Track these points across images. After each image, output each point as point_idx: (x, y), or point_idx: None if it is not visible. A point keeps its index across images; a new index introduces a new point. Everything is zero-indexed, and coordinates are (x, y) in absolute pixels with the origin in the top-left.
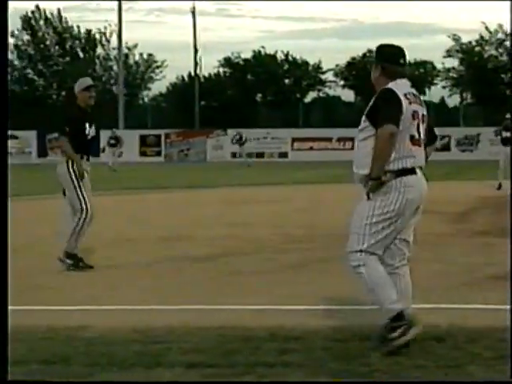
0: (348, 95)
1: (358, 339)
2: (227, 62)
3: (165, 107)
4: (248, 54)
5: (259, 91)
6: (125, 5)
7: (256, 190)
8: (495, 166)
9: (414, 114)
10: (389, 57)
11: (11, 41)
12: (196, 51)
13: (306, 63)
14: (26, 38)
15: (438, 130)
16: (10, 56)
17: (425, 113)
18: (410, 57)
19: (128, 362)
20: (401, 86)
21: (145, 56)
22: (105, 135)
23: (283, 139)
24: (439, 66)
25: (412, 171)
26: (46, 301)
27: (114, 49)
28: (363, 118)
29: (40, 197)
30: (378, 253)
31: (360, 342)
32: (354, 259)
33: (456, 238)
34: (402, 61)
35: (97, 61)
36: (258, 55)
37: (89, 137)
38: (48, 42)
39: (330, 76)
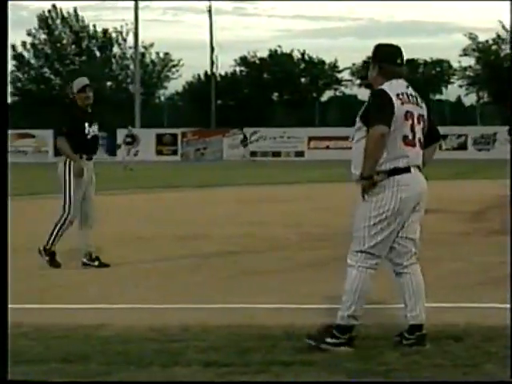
0: (364, 94)
1: (374, 338)
2: (243, 61)
3: (181, 106)
4: (264, 53)
5: (275, 90)
6: (141, 4)
7: (272, 189)
8: None
9: (407, 114)
10: (386, 56)
11: (28, 40)
12: (212, 50)
13: (322, 62)
14: (43, 37)
15: (454, 129)
16: (26, 55)
17: (422, 113)
18: (426, 55)
19: (145, 361)
20: (395, 86)
21: (161, 55)
22: (121, 134)
23: (299, 138)
24: (456, 65)
25: (406, 170)
26: (60, 299)
27: (130, 48)
28: (357, 118)
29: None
30: (380, 254)
31: (377, 341)
32: (351, 258)
33: (472, 237)
34: (399, 61)
35: (113, 60)
36: (274, 54)
37: (89, 136)
38: (65, 41)
39: (346, 75)
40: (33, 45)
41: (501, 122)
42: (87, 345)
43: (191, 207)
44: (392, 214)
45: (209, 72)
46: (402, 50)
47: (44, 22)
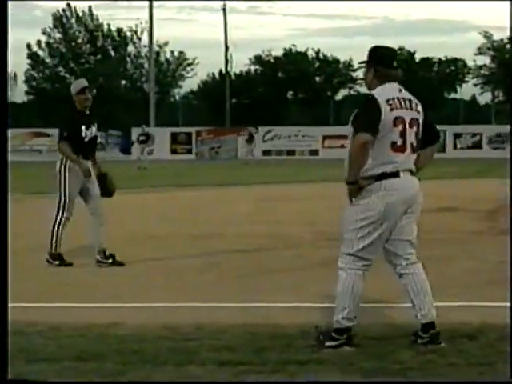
0: None
1: (389, 337)
2: (258, 59)
3: (196, 105)
4: (279, 52)
5: (290, 89)
6: (156, 3)
7: (287, 188)
8: None
9: (396, 121)
10: (382, 59)
11: (43, 38)
12: (227, 49)
13: (337, 61)
14: (58, 35)
15: (469, 128)
16: (41, 54)
17: (416, 116)
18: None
19: (160, 360)
20: (388, 91)
21: (176, 54)
22: (135, 133)
23: (314, 137)
24: (470, 64)
25: (393, 175)
26: (74, 298)
27: (145, 46)
28: (349, 123)
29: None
30: (370, 257)
31: (392, 340)
32: (341, 260)
33: (487, 236)
34: (394, 63)
35: (128, 58)
36: (288, 53)
37: (86, 139)
38: (79, 40)
39: (360, 74)
40: (48, 44)
41: None
42: (102, 343)
43: (206, 206)
44: (379, 219)
45: (223, 71)
46: (397, 52)
47: (59, 21)
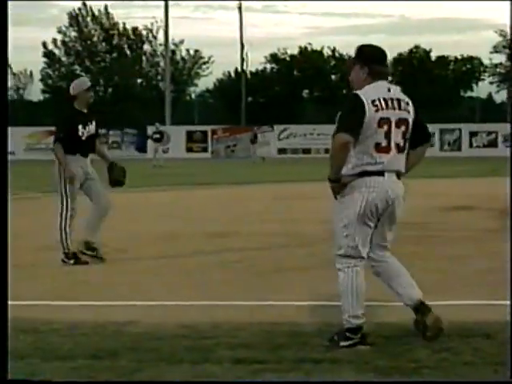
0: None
1: (404, 335)
2: (274, 58)
3: (211, 103)
4: (294, 50)
5: (306, 87)
6: (171, 2)
7: (302, 186)
8: None
9: (381, 121)
10: (375, 57)
11: (59, 37)
12: (242, 47)
13: None
14: (73, 34)
15: (484, 126)
16: (57, 52)
17: (405, 116)
18: (457, 52)
19: (176, 358)
20: (376, 90)
21: (191, 52)
22: (151, 131)
23: (329, 135)
24: (486, 62)
25: (377, 173)
26: (88, 296)
27: (160, 45)
28: (336, 120)
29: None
30: (361, 253)
31: (407, 339)
32: (336, 261)
33: (502, 234)
34: (386, 62)
35: (143, 57)
36: (304, 51)
37: (83, 137)
38: (95, 39)
39: None
40: (63, 42)
41: None
42: (117, 341)
43: (221, 204)
44: (364, 214)
45: (239, 69)
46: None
47: (74, 19)
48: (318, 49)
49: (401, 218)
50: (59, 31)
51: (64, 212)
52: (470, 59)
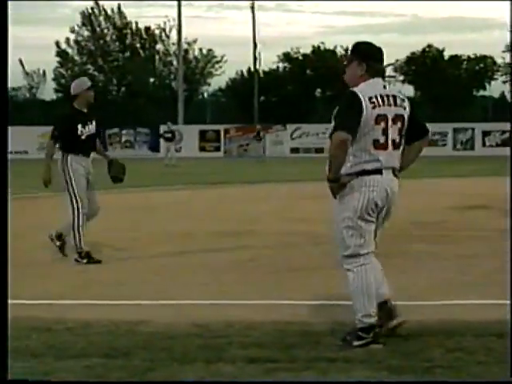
0: (407, 90)
1: (417, 335)
2: (286, 57)
3: (224, 102)
4: (307, 50)
5: (318, 86)
6: (184, 2)
7: (315, 186)
8: None
9: (378, 118)
10: (373, 54)
11: (72, 36)
12: (255, 46)
13: None
14: (86, 33)
15: (497, 126)
16: (70, 51)
17: (401, 113)
18: (469, 52)
19: (189, 357)
20: (372, 87)
21: (204, 51)
22: (163, 130)
23: None
24: (499, 61)
25: (376, 171)
26: (102, 295)
27: (173, 44)
28: (332, 118)
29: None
30: (368, 249)
31: (420, 338)
32: (344, 262)
33: None
34: (382, 59)
35: (156, 56)
36: (317, 50)
37: (83, 137)
38: (108, 38)
39: (389, 71)
40: (76, 41)
41: None
42: (130, 340)
43: (234, 204)
44: (365, 213)
45: (252, 68)
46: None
47: (87, 18)
48: (331, 48)
49: (413, 218)
50: (72, 31)
51: (75, 212)
52: (483, 58)
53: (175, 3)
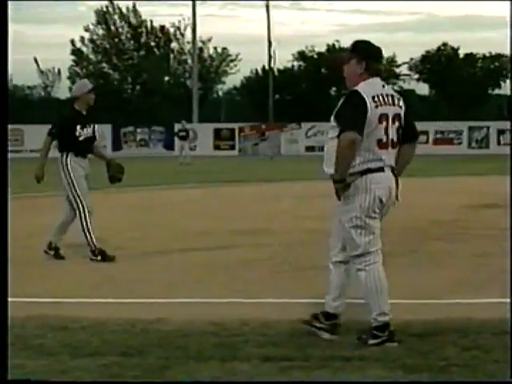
0: (422, 88)
1: (433, 333)
2: (301, 55)
3: (239, 101)
4: (322, 48)
5: (333, 85)
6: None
7: (329, 184)
8: None
9: (381, 117)
10: (372, 53)
11: (86, 35)
12: (270, 45)
13: None
14: (101, 32)
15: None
16: (85, 50)
17: (398, 112)
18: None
19: (204, 355)
20: (373, 87)
21: (219, 50)
22: (177, 128)
23: None
24: None
25: (379, 170)
26: (116, 294)
27: (188, 43)
28: (332, 117)
29: (112, 190)
30: (377, 247)
31: (435, 336)
32: (354, 262)
33: None
34: (382, 59)
35: (171, 55)
36: (332, 49)
37: (80, 138)
38: (123, 37)
39: (404, 69)
40: (91, 40)
41: None
42: (145, 339)
43: (249, 202)
44: (372, 211)
45: (266, 67)
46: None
47: (102, 17)
48: (346, 46)
49: (429, 216)
50: (86, 29)
51: (81, 213)
52: (498, 56)
53: (190, 2)
